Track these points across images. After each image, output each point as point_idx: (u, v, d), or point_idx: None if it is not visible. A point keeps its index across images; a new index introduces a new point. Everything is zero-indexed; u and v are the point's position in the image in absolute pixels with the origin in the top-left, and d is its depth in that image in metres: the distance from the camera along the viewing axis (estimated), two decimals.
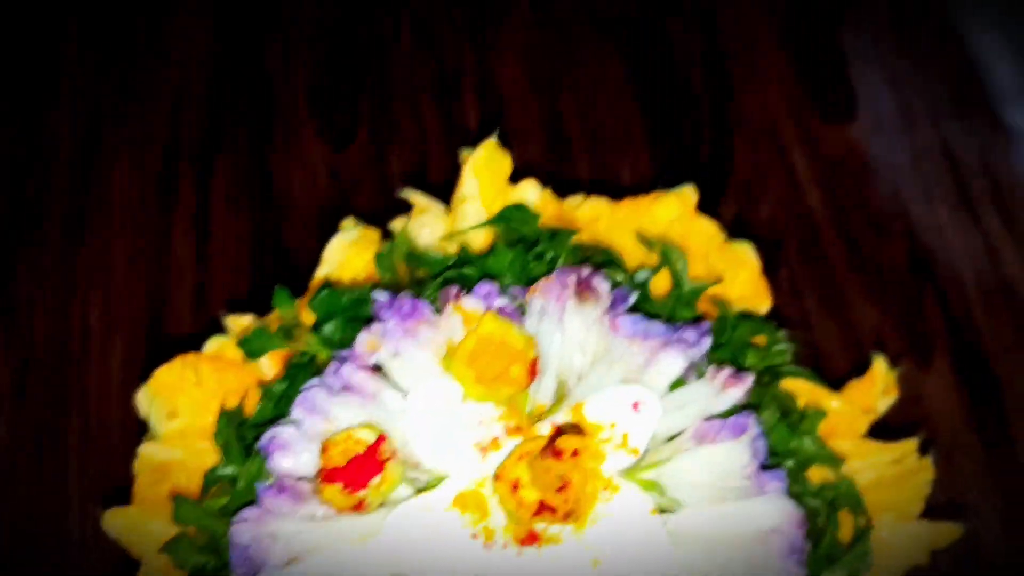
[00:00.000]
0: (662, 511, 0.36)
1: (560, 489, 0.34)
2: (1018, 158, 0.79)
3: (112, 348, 0.74)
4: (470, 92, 0.83)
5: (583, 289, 0.40)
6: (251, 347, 0.44)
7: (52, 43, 0.86)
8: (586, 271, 0.40)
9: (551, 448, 0.33)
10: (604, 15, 0.88)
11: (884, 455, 0.45)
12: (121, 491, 0.65)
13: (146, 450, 0.44)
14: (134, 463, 0.45)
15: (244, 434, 0.42)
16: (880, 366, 0.47)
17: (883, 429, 0.52)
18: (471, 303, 0.39)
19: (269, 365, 0.46)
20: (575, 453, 0.34)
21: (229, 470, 0.41)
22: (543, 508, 0.34)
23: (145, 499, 0.43)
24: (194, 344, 0.51)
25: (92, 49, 0.86)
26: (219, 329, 0.51)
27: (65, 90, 0.84)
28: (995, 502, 0.67)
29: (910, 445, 0.46)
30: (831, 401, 0.46)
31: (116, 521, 0.42)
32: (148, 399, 0.46)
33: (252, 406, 0.44)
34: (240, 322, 0.47)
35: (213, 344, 0.46)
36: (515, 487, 0.34)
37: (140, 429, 0.68)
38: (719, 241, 0.50)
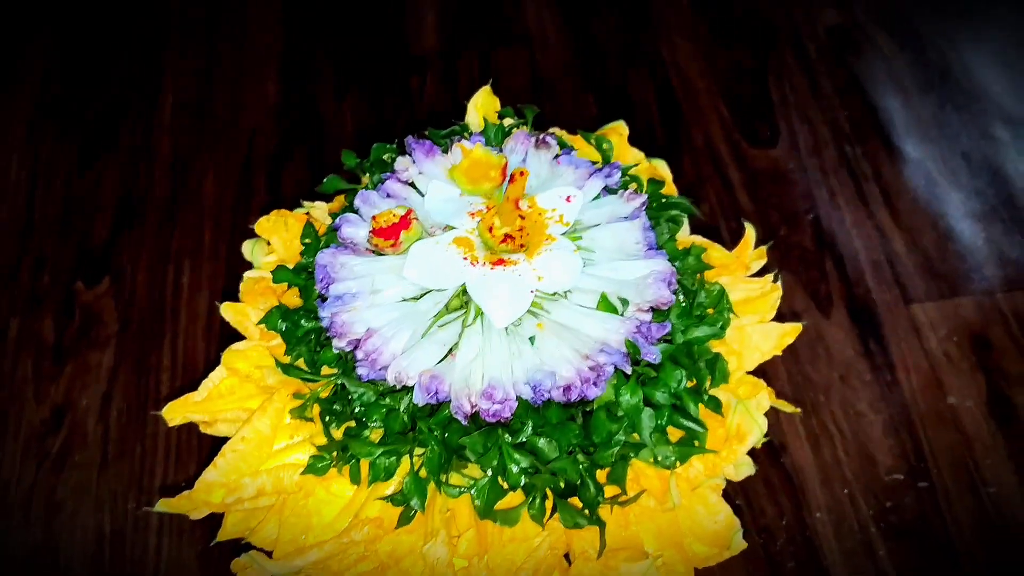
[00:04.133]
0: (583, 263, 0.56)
1: (519, 229, 0.54)
2: (904, 171, 1.01)
3: (198, 300, 0.95)
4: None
5: (540, 143, 0.61)
6: (327, 188, 0.65)
7: (158, 88, 1.12)
8: (543, 134, 0.62)
9: (514, 201, 0.53)
10: (583, 74, 1.13)
11: (750, 283, 0.65)
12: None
13: (249, 274, 0.64)
14: (241, 284, 0.65)
15: (320, 240, 0.62)
16: (750, 231, 0.67)
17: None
18: (468, 144, 0.60)
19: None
20: (527, 210, 0.54)
21: (309, 258, 0.61)
22: (507, 238, 0.54)
23: (247, 296, 0.63)
24: None
25: (186, 90, 1.12)
26: None
27: (169, 119, 1.09)
28: (880, 408, 0.86)
29: (768, 278, 0.65)
30: (714, 251, 0.66)
31: (228, 311, 0.62)
32: (251, 245, 0.67)
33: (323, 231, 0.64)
34: (312, 204, 0.68)
35: (299, 211, 0.68)
36: (491, 228, 0.54)
37: (219, 358, 0.89)
38: (643, 160, 0.71)
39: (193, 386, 0.89)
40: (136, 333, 0.92)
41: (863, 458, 0.84)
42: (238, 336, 0.75)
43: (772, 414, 0.83)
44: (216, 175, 1.04)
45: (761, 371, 0.85)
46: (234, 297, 0.86)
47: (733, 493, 0.82)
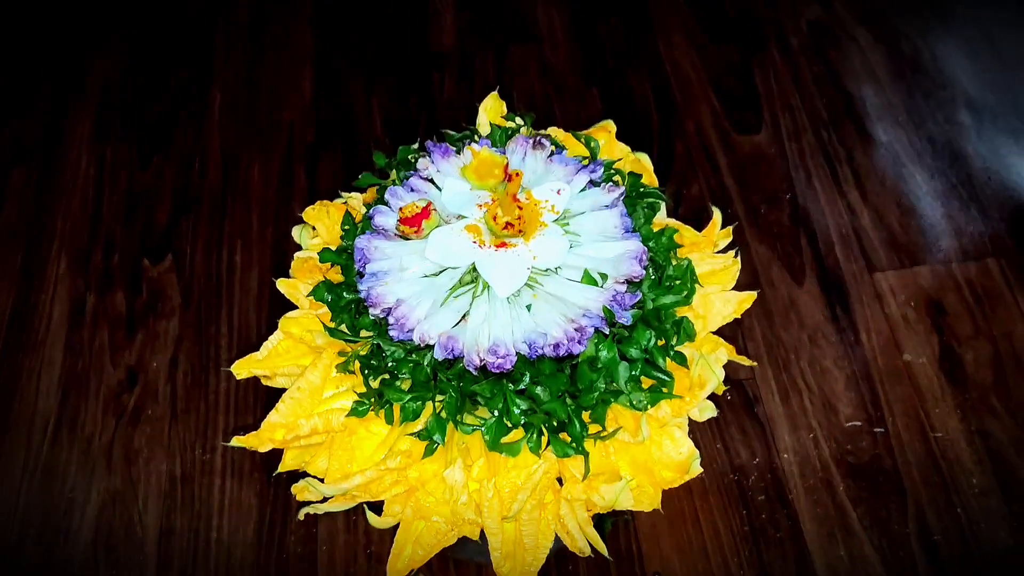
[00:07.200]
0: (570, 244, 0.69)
1: (518, 218, 0.67)
2: (874, 153, 1.13)
3: (250, 276, 1.08)
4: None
5: (536, 144, 0.74)
6: (360, 183, 0.77)
7: (207, 89, 1.26)
8: (539, 136, 0.74)
9: (512, 195, 0.66)
10: (589, 69, 1.25)
11: (715, 258, 0.78)
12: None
13: (299, 254, 0.78)
14: (292, 263, 0.79)
15: (356, 226, 0.75)
16: (717, 215, 0.79)
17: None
18: (476, 146, 0.73)
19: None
20: (524, 202, 0.67)
21: (349, 242, 0.74)
22: (508, 225, 0.67)
23: (297, 272, 0.77)
24: None
25: (232, 91, 1.25)
26: None
27: (218, 117, 1.23)
28: (844, 365, 0.98)
29: (730, 255, 0.78)
30: (686, 232, 0.79)
31: (284, 285, 0.76)
32: (300, 230, 0.80)
33: (360, 218, 0.77)
34: (349, 195, 0.81)
35: (338, 200, 0.81)
36: (495, 217, 0.67)
37: (269, 326, 1.02)
38: (629, 154, 0.84)
39: (248, 351, 1.03)
40: (196, 306, 1.06)
41: (827, 408, 0.96)
42: (286, 308, 0.89)
43: (749, 372, 0.96)
44: (261, 167, 1.17)
45: (739, 333, 0.98)
46: (282, 273, 1.00)
47: (712, 438, 0.95)
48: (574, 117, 1.17)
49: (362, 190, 0.79)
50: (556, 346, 0.65)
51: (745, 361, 0.74)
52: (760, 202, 1.10)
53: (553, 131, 0.82)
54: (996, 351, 0.98)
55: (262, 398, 0.97)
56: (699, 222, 1.04)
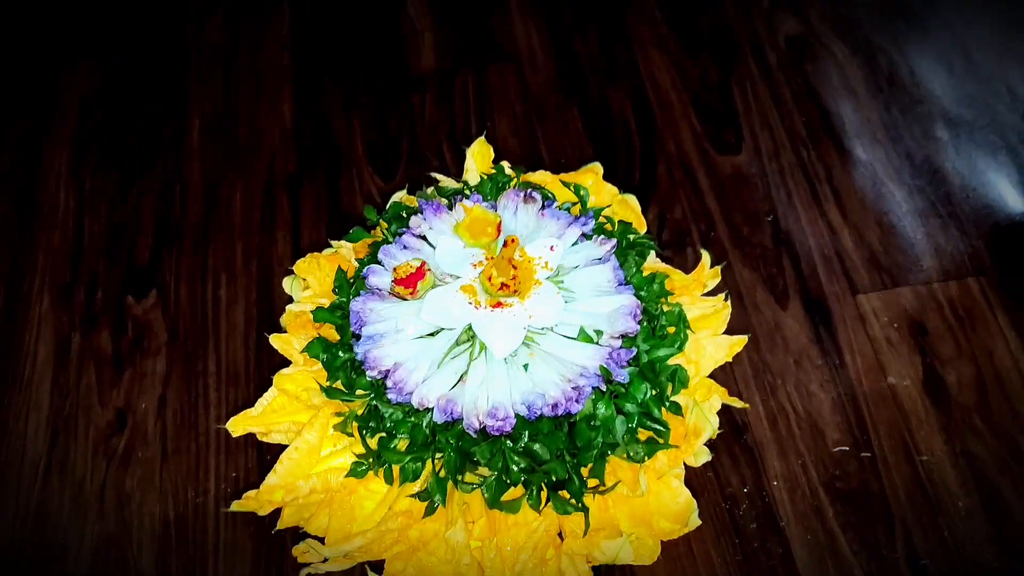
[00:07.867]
0: (564, 300, 0.69)
1: (512, 278, 0.67)
2: (853, 171, 1.14)
3: (235, 311, 1.08)
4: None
5: (527, 197, 0.74)
6: (352, 238, 0.77)
7: (185, 114, 1.25)
8: (530, 189, 0.75)
9: (507, 259, 0.67)
10: (568, 88, 1.25)
11: (705, 302, 0.78)
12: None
13: (291, 307, 0.78)
14: (283, 317, 0.78)
15: (349, 283, 0.75)
16: (706, 257, 0.80)
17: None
18: (468, 202, 0.73)
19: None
20: (517, 262, 0.68)
21: (343, 299, 0.74)
22: (503, 286, 0.67)
23: (290, 326, 0.77)
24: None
25: (210, 115, 1.24)
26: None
27: (197, 144, 1.22)
28: (829, 389, 1.00)
29: (720, 298, 0.79)
30: (675, 276, 0.80)
31: (277, 341, 0.76)
32: (290, 281, 0.80)
33: (351, 272, 0.77)
34: (339, 243, 0.81)
35: (328, 250, 0.81)
36: (490, 278, 0.67)
37: (257, 363, 1.02)
38: (617, 195, 0.84)
39: (237, 388, 1.03)
40: (183, 343, 1.06)
41: (814, 432, 0.97)
42: (275, 349, 0.89)
43: (736, 397, 0.97)
44: (243, 196, 1.16)
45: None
46: (266, 309, 0.99)
47: (703, 468, 0.96)
48: (556, 140, 1.17)
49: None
50: (554, 406, 0.66)
51: (738, 404, 0.75)
52: (743, 223, 1.10)
53: (540, 176, 0.83)
54: (978, 371, 1.00)
55: (253, 438, 0.97)
56: (683, 246, 1.06)
